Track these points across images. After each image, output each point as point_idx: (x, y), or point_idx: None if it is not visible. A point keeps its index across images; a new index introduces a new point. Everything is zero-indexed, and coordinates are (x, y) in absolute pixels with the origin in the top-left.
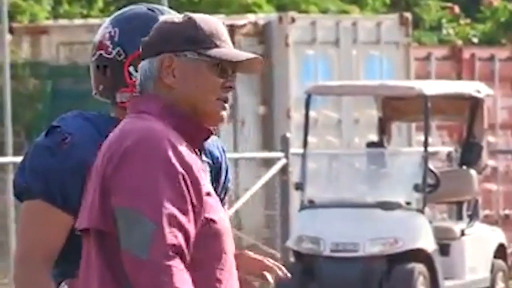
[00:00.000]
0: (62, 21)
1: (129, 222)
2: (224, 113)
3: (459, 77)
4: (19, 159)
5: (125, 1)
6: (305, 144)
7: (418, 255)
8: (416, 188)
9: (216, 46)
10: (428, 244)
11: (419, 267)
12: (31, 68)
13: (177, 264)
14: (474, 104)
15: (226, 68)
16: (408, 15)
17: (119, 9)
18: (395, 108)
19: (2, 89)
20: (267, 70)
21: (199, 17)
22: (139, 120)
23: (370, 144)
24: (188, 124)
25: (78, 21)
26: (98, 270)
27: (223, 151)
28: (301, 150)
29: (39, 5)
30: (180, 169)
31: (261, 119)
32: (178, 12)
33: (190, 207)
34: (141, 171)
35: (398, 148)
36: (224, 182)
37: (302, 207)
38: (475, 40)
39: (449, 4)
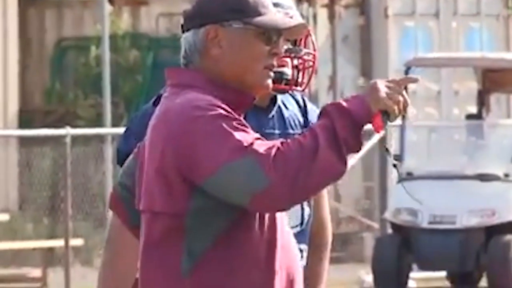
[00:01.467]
0: None
1: (230, 177)
2: (270, 81)
3: None
4: (117, 130)
5: None
6: (403, 115)
7: None
8: None
9: (260, 14)
10: None
11: None
12: (131, 40)
13: (287, 148)
14: None
15: (271, 35)
16: None
17: None
18: (494, 80)
19: (101, 60)
20: (367, 41)
21: None
22: (179, 96)
23: (469, 116)
24: (234, 94)
25: None
26: (161, 251)
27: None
28: (400, 122)
29: None
30: (230, 113)
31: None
32: None
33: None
34: (202, 135)
35: (497, 120)
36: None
37: (400, 179)
38: None
39: None
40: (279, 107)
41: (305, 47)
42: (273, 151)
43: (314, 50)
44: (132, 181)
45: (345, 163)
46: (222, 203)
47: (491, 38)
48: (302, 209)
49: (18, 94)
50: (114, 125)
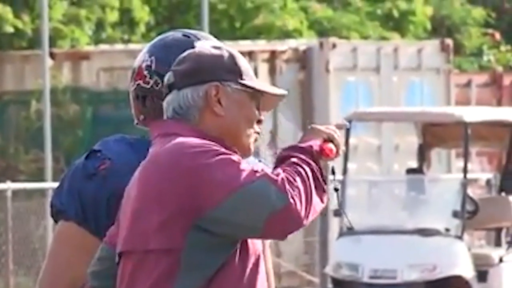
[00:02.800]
0: (103, 47)
1: (244, 202)
2: (252, 148)
3: (499, 103)
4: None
5: (167, 26)
6: (345, 170)
7: (457, 281)
8: (455, 214)
9: (251, 79)
10: (467, 270)
11: None
12: (71, 94)
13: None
14: None
15: (259, 102)
16: (449, 41)
17: (160, 34)
18: (435, 134)
19: (42, 115)
20: (308, 96)
21: (233, 51)
22: (169, 141)
23: (410, 171)
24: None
25: (119, 46)
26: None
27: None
28: (341, 177)
29: (81, 30)
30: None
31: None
32: (218, 38)
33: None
34: (207, 166)
35: (438, 175)
36: None
37: (341, 234)
38: None
39: (490, 31)
40: None
41: None
42: (281, 174)
43: None
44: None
45: (320, 197)
46: (218, 240)
47: (431, 93)
48: None
49: None
50: (55, 179)
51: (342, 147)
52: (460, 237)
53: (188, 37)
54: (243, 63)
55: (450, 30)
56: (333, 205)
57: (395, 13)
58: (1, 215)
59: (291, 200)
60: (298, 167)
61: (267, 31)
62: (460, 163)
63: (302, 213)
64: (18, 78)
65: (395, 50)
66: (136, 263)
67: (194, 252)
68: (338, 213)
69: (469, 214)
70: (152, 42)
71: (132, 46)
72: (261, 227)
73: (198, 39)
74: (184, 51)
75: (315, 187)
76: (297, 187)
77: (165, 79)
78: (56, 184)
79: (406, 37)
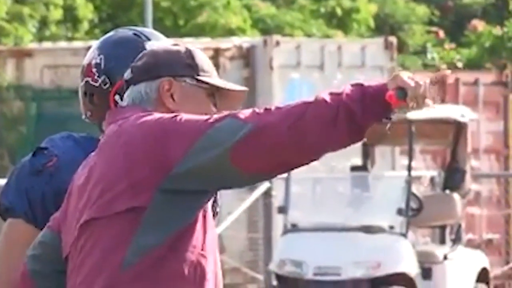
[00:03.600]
0: (47, 44)
1: (209, 142)
2: None
3: (443, 101)
4: (2, 181)
5: (110, 24)
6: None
7: (401, 279)
8: (399, 212)
9: (208, 75)
10: (411, 268)
11: None
12: (15, 91)
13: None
14: (458, 128)
15: (216, 98)
16: (392, 39)
17: (105, 32)
18: (379, 131)
19: None
20: (252, 93)
21: (192, 47)
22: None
23: (354, 168)
24: None
25: (63, 44)
26: (104, 246)
27: None
28: (284, 174)
29: (24, 27)
30: None
31: None
32: (164, 35)
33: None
34: (172, 121)
35: (382, 172)
36: (214, 206)
37: (285, 231)
38: (460, 64)
39: (434, 29)
40: None
41: None
42: (254, 110)
43: None
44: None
45: (343, 132)
46: (184, 199)
47: None
48: None
49: None
50: (0, 176)
51: (423, 100)
52: (404, 235)
53: (139, 36)
54: (202, 60)
55: (394, 28)
56: (278, 202)
57: (339, 11)
58: None
59: (256, 126)
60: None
61: (211, 29)
62: (404, 161)
63: (272, 138)
64: None
65: (338, 48)
66: (100, 228)
67: (158, 210)
68: (282, 210)
69: (413, 211)
70: (102, 39)
71: (75, 43)
72: (229, 161)
73: (149, 39)
74: (133, 49)
75: (329, 123)
76: (272, 114)
77: (125, 75)
78: (2, 181)
79: (350, 35)
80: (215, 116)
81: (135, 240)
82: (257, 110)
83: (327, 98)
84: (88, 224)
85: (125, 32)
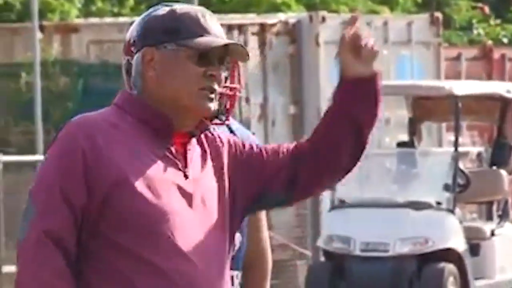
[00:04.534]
0: (93, 20)
1: (25, 209)
2: (211, 104)
3: (489, 77)
4: None
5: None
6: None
7: (448, 255)
8: (446, 188)
9: (197, 35)
10: (458, 244)
11: (449, 267)
12: (61, 67)
13: (41, 250)
14: (504, 104)
15: (210, 58)
16: (438, 15)
17: (150, 7)
18: (425, 108)
19: (32, 87)
20: (298, 69)
21: (182, 8)
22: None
23: (401, 144)
24: (152, 116)
25: (108, 20)
26: None
27: None
28: None
29: (70, 3)
30: (73, 157)
31: (292, 119)
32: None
33: (80, 193)
34: (46, 163)
35: (429, 148)
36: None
37: (333, 207)
38: (505, 40)
39: (479, 4)
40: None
41: (233, 77)
42: (43, 241)
43: (239, 82)
44: None
45: None
46: None
47: (421, 66)
48: None
49: None
50: (46, 152)
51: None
52: (451, 211)
53: None
54: (190, 20)
55: (439, 3)
56: None
57: None
58: None
59: (19, 244)
60: None
61: (256, 4)
62: (451, 137)
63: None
64: (8, 51)
65: (384, 23)
66: None
67: None
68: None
69: (460, 187)
70: (142, 16)
71: (121, 19)
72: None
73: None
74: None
75: None
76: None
77: None
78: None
79: (395, 11)
80: (46, 194)
81: None
82: (39, 233)
83: None
84: None
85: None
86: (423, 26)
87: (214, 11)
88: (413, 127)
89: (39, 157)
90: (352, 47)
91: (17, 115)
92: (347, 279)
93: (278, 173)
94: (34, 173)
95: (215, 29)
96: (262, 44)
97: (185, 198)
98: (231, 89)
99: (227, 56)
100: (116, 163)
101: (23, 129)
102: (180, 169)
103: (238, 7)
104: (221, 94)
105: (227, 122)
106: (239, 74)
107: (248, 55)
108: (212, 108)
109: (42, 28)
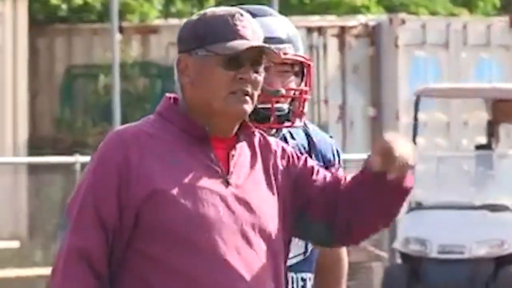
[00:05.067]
0: (172, 21)
1: (63, 220)
2: (245, 106)
3: None
4: None
5: (235, 1)
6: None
7: None
8: None
9: (229, 39)
10: None
11: None
12: (140, 68)
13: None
14: None
15: (240, 61)
16: None
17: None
18: (504, 110)
19: (111, 89)
20: (377, 71)
21: (214, 11)
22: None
23: (479, 147)
24: (188, 123)
25: None
26: None
27: (338, 153)
28: None
29: (150, 4)
30: (108, 170)
31: (370, 121)
32: (288, 14)
33: (112, 210)
34: (83, 177)
35: (507, 151)
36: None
37: (410, 209)
38: None
39: None
40: (283, 136)
41: (306, 79)
42: (73, 252)
43: (310, 85)
44: None
45: None
46: None
47: (500, 69)
48: None
49: (27, 121)
50: None
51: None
52: None
53: (253, 14)
54: (220, 24)
55: None
56: None
57: None
58: (70, 189)
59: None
60: None
61: (336, 6)
62: None
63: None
64: (87, 52)
65: (464, 26)
66: None
67: None
68: None
69: None
70: None
71: None
72: None
73: (256, 15)
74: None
75: None
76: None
77: None
78: None
79: (475, 14)
80: (82, 204)
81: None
82: (72, 251)
83: None
84: None
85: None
86: (502, 29)
87: (294, 13)
88: (491, 129)
89: None
90: (383, 155)
91: (96, 117)
92: (423, 281)
93: (318, 197)
94: None
95: (248, 31)
96: (341, 46)
97: (226, 205)
98: (301, 92)
99: (262, 57)
100: (150, 176)
101: (101, 130)
102: (220, 176)
103: (317, 9)
104: (292, 97)
105: (297, 125)
106: (309, 76)
107: (278, 55)
108: (248, 110)
109: (121, 29)
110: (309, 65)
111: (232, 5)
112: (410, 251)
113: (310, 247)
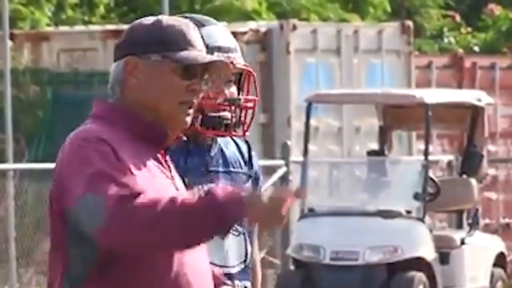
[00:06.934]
0: (63, 28)
1: (81, 211)
2: (187, 119)
3: (460, 85)
4: (19, 166)
5: (126, 8)
6: (305, 152)
7: (418, 263)
8: (416, 196)
9: (182, 49)
10: (428, 252)
11: (419, 276)
12: (31, 75)
13: (133, 200)
14: (475, 112)
15: (193, 71)
16: (409, 23)
17: (121, 16)
18: (396, 116)
19: (2, 96)
20: (268, 77)
21: (168, 20)
22: (82, 127)
23: (371, 153)
24: (146, 128)
25: (79, 28)
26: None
27: (258, 166)
28: (301, 158)
29: (41, 11)
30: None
31: (262, 127)
32: None
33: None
34: (75, 169)
35: (399, 157)
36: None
37: (302, 215)
38: (476, 48)
39: (450, 13)
40: (219, 146)
41: (247, 89)
42: (127, 198)
43: (256, 95)
44: None
45: (188, 243)
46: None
47: (392, 75)
48: (246, 245)
49: None
50: (16, 160)
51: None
52: (421, 219)
53: (201, 23)
54: (176, 33)
55: (410, 12)
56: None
57: None
58: None
59: (109, 224)
60: (173, 200)
61: (226, 13)
62: (421, 145)
63: (118, 237)
64: None
65: (355, 32)
66: (50, 252)
67: (74, 243)
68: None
69: (430, 196)
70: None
71: (92, 27)
72: (93, 237)
73: (203, 25)
74: None
75: (186, 229)
76: (130, 213)
77: None
78: (17, 166)
79: (366, 19)
80: (100, 179)
81: (66, 275)
82: (118, 196)
83: (188, 202)
84: None
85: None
86: (393, 34)
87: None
88: (384, 135)
89: (9, 165)
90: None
91: None
92: (316, 287)
93: None
94: (4, 181)
95: (198, 42)
96: None
97: None
98: (247, 101)
99: (208, 69)
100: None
101: None
102: (170, 180)
103: (208, 15)
104: (237, 106)
105: (247, 134)
106: (255, 85)
107: (230, 69)
108: (189, 122)
109: (12, 37)
110: (253, 75)
111: (123, 13)
112: (303, 257)
113: (249, 255)
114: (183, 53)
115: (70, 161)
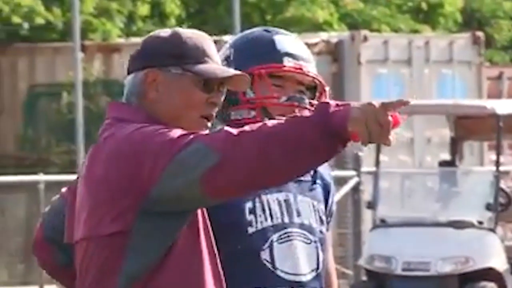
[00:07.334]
0: (134, 39)
1: (179, 168)
2: (206, 132)
3: None
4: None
5: (197, 19)
6: (377, 162)
7: (490, 274)
8: (488, 207)
9: (201, 62)
10: (500, 263)
11: (490, 286)
12: (102, 86)
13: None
14: None
15: (212, 84)
16: (480, 34)
17: (192, 27)
18: (467, 127)
19: (74, 107)
20: (340, 88)
21: (186, 32)
22: (115, 127)
23: (442, 163)
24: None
25: None
26: (97, 270)
27: (331, 178)
28: (373, 169)
29: (112, 23)
30: None
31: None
32: None
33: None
34: (144, 140)
35: (470, 167)
36: (331, 206)
37: (374, 226)
38: None
39: None
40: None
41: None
42: (223, 133)
43: None
44: (60, 219)
45: (299, 164)
46: (164, 223)
47: (463, 85)
48: (317, 253)
49: None
50: None
51: (385, 138)
52: (493, 230)
53: (268, 31)
54: (195, 46)
55: (481, 23)
56: (366, 197)
57: (424, 6)
58: (34, 208)
59: (226, 154)
60: (280, 126)
61: (297, 23)
62: (493, 156)
63: (242, 169)
64: (49, 71)
65: (426, 43)
66: (92, 249)
67: (142, 234)
68: (371, 205)
69: (502, 206)
70: (236, 36)
71: None
72: (199, 189)
73: (277, 33)
74: (259, 44)
75: (297, 149)
76: (241, 142)
77: None
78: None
79: (437, 30)
80: (185, 136)
81: (124, 267)
82: (226, 133)
83: (293, 122)
84: (81, 243)
85: (257, 29)
86: (464, 45)
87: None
88: (455, 146)
89: None
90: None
91: (59, 135)
92: None
93: None
94: None
95: (215, 54)
96: None
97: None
98: (313, 105)
99: (224, 82)
100: None
101: (65, 149)
102: None
103: (279, 26)
104: (302, 106)
105: None
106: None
107: (247, 83)
108: None
109: (83, 48)
110: (326, 89)
111: (194, 24)
112: (375, 268)
113: (321, 263)
114: (203, 66)
115: (135, 142)
